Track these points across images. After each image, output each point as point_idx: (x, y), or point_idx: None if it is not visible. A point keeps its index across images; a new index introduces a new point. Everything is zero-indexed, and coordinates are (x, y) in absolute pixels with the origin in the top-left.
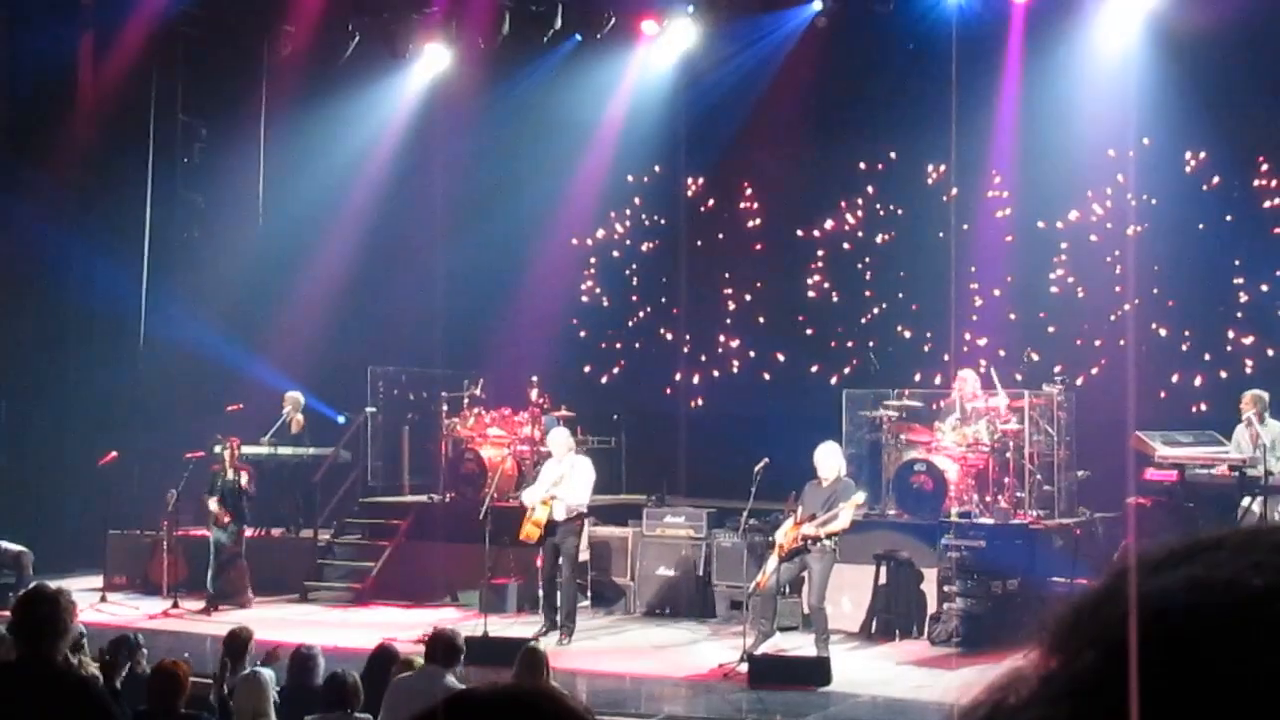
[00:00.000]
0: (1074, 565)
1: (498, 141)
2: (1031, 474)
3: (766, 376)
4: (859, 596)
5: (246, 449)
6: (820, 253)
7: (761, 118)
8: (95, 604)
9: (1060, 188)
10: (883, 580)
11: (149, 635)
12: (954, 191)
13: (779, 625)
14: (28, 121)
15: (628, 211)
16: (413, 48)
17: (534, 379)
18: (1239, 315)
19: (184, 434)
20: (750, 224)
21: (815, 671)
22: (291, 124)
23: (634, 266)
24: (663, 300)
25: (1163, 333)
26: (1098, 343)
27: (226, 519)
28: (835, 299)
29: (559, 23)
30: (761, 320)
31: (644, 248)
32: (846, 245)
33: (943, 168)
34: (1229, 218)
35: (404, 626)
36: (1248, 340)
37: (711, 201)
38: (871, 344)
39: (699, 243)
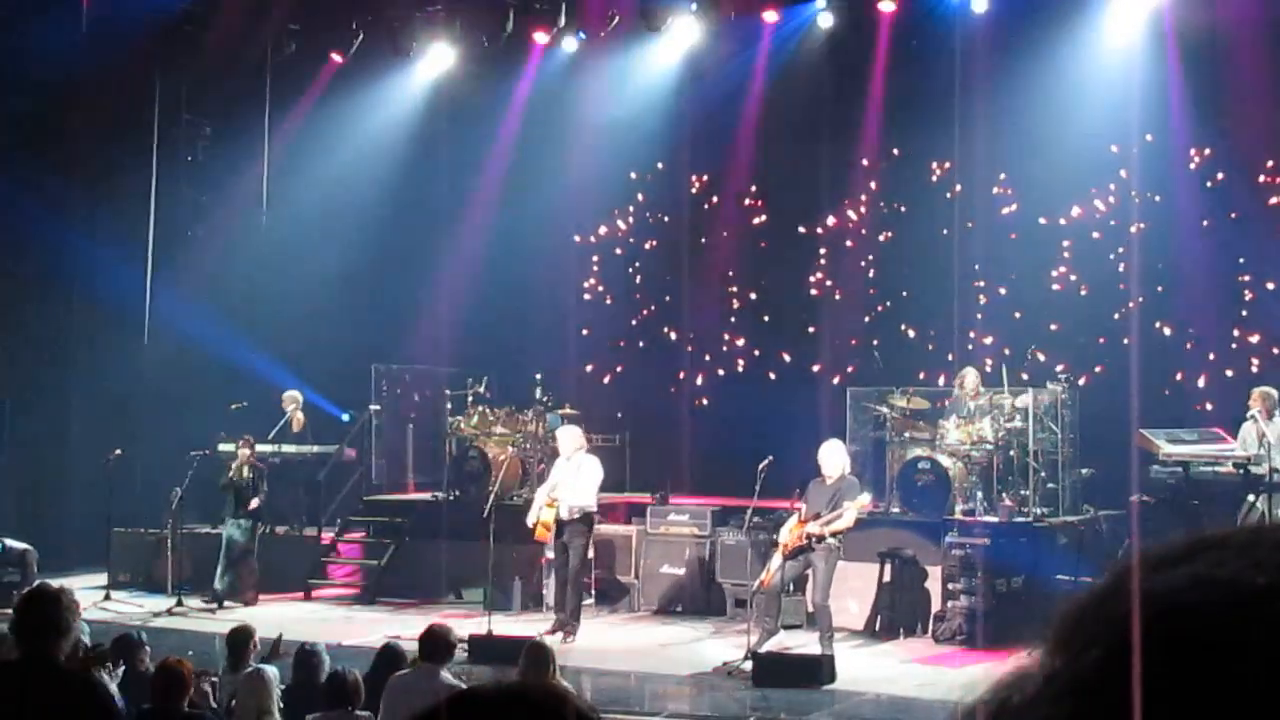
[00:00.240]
0: (1078, 563)
1: (501, 140)
2: (1036, 472)
3: (772, 376)
4: (863, 594)
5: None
6: (823, 250)
7: (765, 115)
8: (99, 602)
9: (1063, 185)
10: (887, 578)
11: (153, 633)
12: (958, 189)
13: (783, 623)
14: (33, 119)
15: (631, 209)
16: (416, 46)
17: (538, 377)
18: (1244, 314)
19: (188, 432)
20: (754, 221)
21: (819, 669)
22: (296, 122)
23: (637, 264)
24: (666, 299)
25: (1167, 331)
26: (1101, 340)
27: (240, 520)
28: (838, 297)
29: (562, 21)
30: (766, 319)
31: (647, 245)
32: (850, 243)
33: (947, 165)
34: (1233, 215)
35: (408, 624)
36: (1254, 339)
37: (715, 199)
38: (875, 343)
39: (702, 240)
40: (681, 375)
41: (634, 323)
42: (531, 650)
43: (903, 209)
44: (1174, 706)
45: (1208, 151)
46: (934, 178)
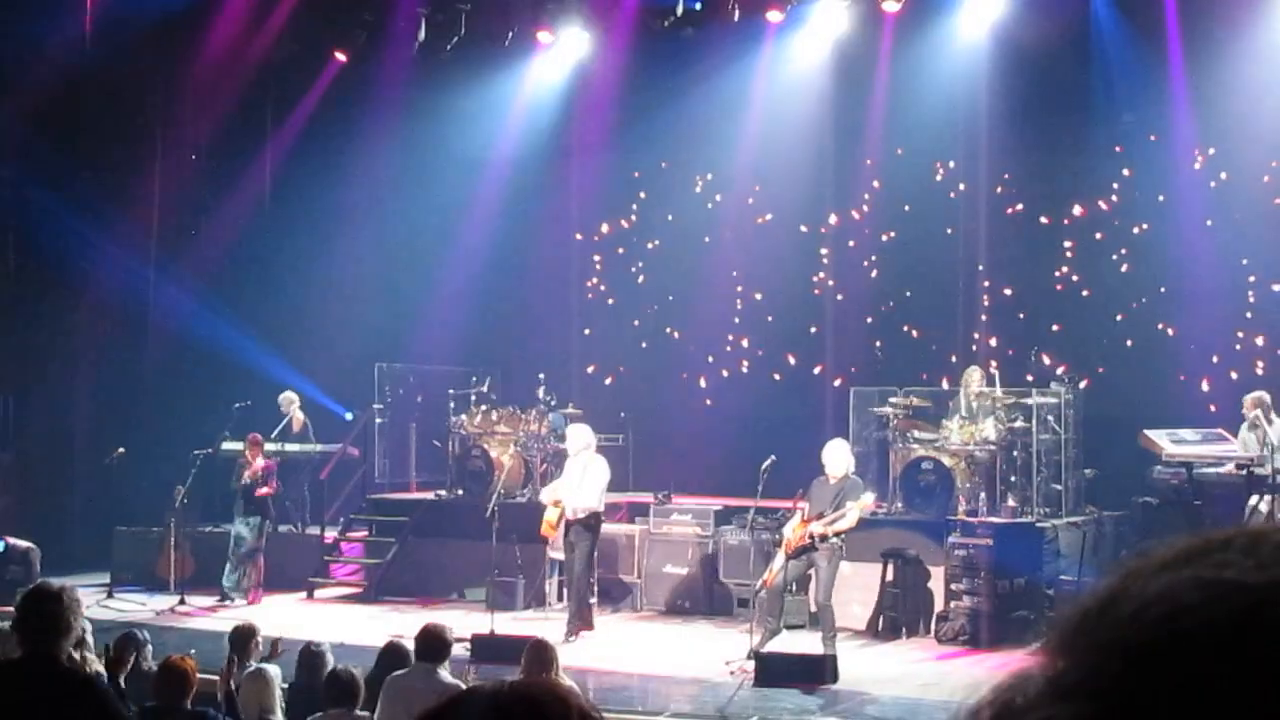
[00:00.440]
0: (1081, 564)
1: (504, 138)
2: (1039, 472)
3: (776, 376)
4: (866, 594)
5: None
6: (824, 250)
7: (769, 114)
8: (102, 600)
9: (1066, 184)
10: (890, 578)
11: (156, 631)
12: (961, 187)
13: (786, 623)
14: (39, 117)
15: (634, 208)
16: (421, 45)
17: (541, 376)
18: (1248, 315)
19: (191, 431)
20: (758, 220)
21: (822, 669)
22: (299, 120)
23: (640, 264)
24: (670, 298)
25: (1170, 332)
26: (1105, 341)
27: (247, 517)
28: (840, 298)
29: (567, 19)
30: (770, 319)
31: (649, 245)
32: (851, 243)
33: (951, 163)
34: (1238, 216)
35: (411, 623)
36: (1259, 340)
37: (718, 197)
38: (879, 344)
39: (706, 239)
40: (684, 375)
41: (636, 323)
42: (534, 649)
43: (907, 208)
44: (1177, 708)
45: (1211, 151)
46: (937, 177)
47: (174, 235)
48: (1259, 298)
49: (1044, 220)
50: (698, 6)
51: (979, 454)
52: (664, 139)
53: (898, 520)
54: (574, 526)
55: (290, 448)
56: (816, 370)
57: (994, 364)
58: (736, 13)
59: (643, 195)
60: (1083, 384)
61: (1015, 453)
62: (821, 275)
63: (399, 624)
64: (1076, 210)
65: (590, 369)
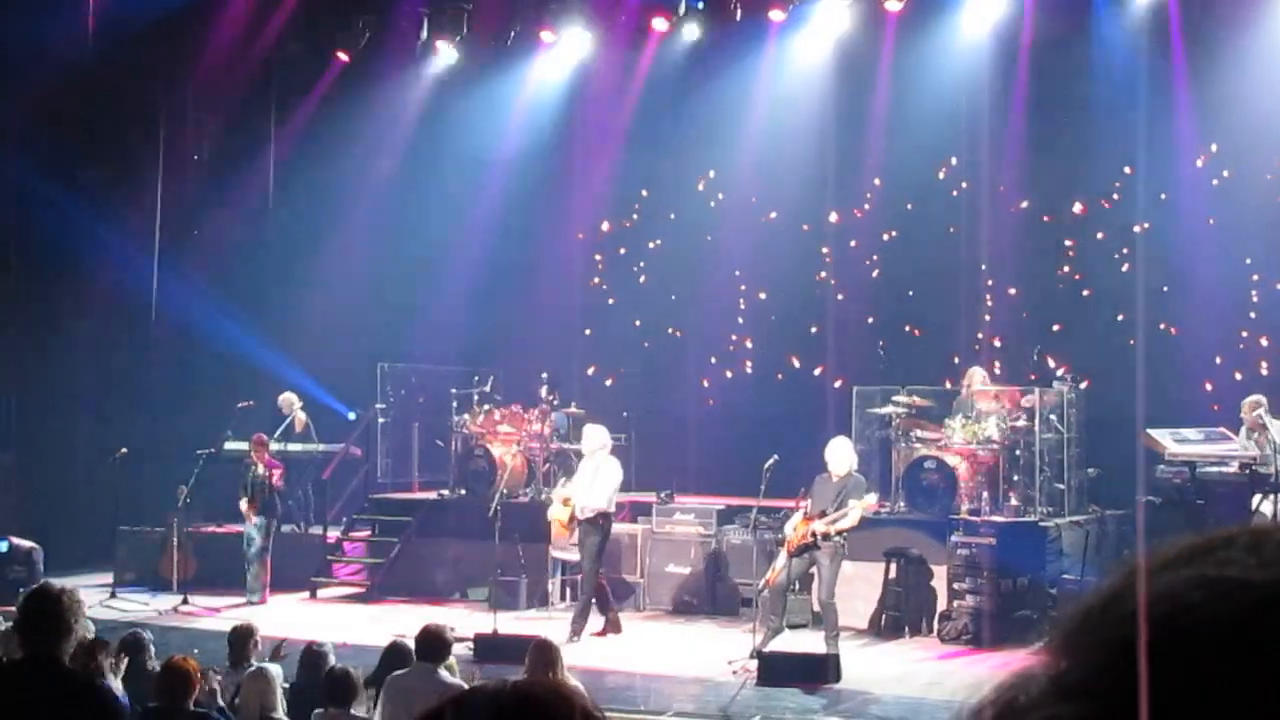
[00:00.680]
0: (1084, 563)
1: (507, 138)
2: (1041, 471)
3: (780, 376)
4: (869, 593)
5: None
6: (826, 250)
7: (771, 114)
8: (105, 600)
9: (1068, 183)
10: (893, 577)
11: (158, 631)
12: (964, 185)
13: (789, 622)
14: (40, 119)
15: (636, 207)
16: (423, 44)
17: (544, 376)
18: (1252, 315)
19: (194, 431)
20: (760, 219)
21: (825, 668)
22: (301, 120)
23: (642, 263)
24: (672, 298)
25: (1173, 331)
26: (1106, 340)
27: (254, 518)
28: (841, 297)
29: (568, 19)
30: (772, 318)
31: (651, 245)
32: (853, 243)
33: (953, 160)
34: (1240, 214)
35: (414, 623)
36: (1263, 341)
37: (720, 196)
38: (881, 344)
39: (708, 238)
40: (687, 374)
41: (638, 322)
42: (538, 649)
43: (909, 207)
44: (1180, 708)
45: (1214, 149)
46: (940, 175)
47: (177, 234)
48: (1262, 297)
49: (1045, 219)
50: (700, 5)
51: (981, 453)
52: (666, 138)
53: (900, 519)
54: (582, 526)
55: (293, 448)
56: (818, 371)
57: (996, 365)
58: (739, 12)
59: (645, 194)
60: (1083, 384)
61: (1018, 452)
62: (823, 275)
63: (402, 624)
64: (1077, 208)
65: (592, 369)
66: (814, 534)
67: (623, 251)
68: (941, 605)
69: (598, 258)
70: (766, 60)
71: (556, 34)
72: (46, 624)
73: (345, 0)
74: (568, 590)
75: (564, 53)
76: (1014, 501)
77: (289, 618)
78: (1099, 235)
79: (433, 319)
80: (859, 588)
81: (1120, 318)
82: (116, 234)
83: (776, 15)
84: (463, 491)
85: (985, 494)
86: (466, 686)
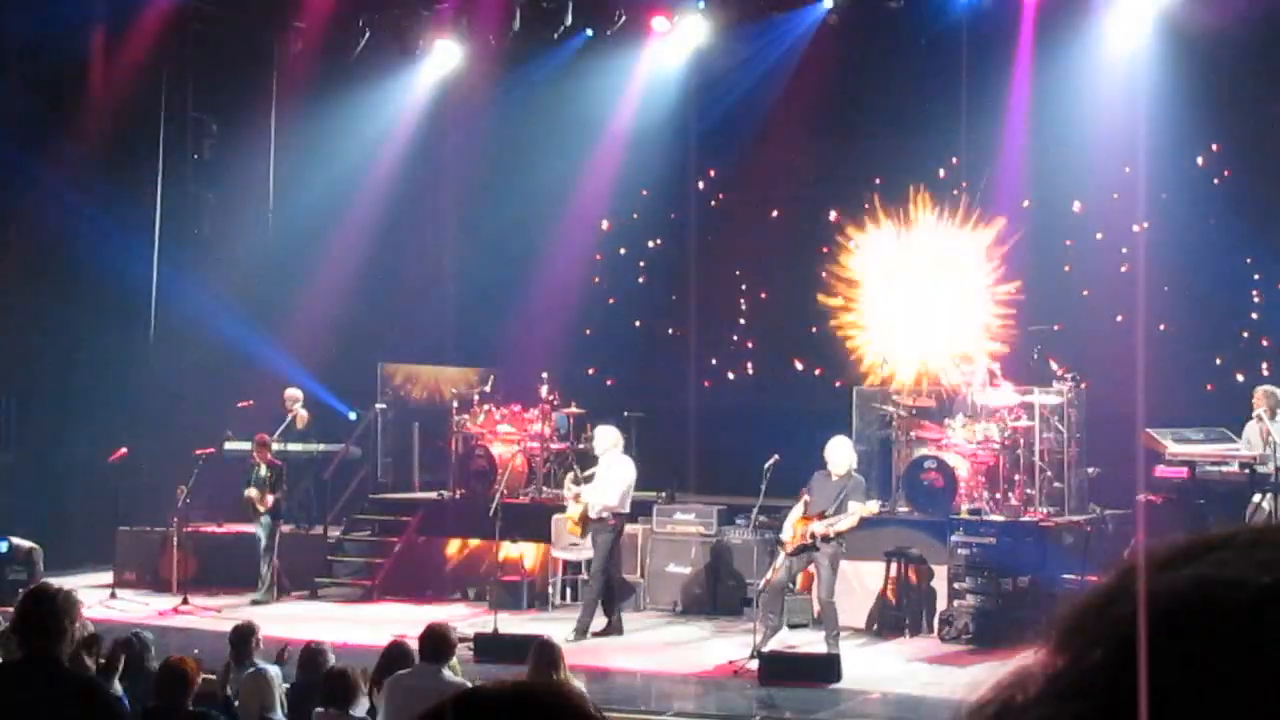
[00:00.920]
0: (1084, 562)
1: (507, 138)
2: (1042, 471)
3: (778, 375)
4: (869, 593)
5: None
6: (825, 249)
7: (773, 114)
8: (105, 600)
9: (1069, 183)
10: (893, 577)
11: (159, 632)
12: (964, 184)
13: (790, 622)
14: (41, 117)
15: (638, 206)
16: (423, 44)
17: (544, 375)
18: (1254, 316)
19: (194, 430)
20: (761, 220)
21: (826, 668)
22: (302, 120)
23: (643, 264)
24: (673, 298)
25: (1173, 331)
26: (1107, 340)
27: (263, 506)
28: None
29: (569, 19)
30: (774, 318)
31: (651, 244)
32: (853, 243)
33: (954, 160)
34: (1243, 214)
35: (414, 623)
36: (1264, 342)
37: (721, 196)
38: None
39: (709, 238)
40: (689, 374)
41: (638, 323)
42: (541, 649)
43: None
44: (1178, 707)
45: (1215, 147)
46: (940, 174)
47: (177, 234)
48: (1264, 297)
49: (1048, 220)
50: (701, 5)
51: (982, 453)
52: (666, 138)
53: (901, 519)
54: (593, 525)
55: (293, 447)
56: (818, 371)
57: (997, 366)
58: (738, 12)
59: (645, 194)
60: (1083, 385)
61: (1018, 451)
62: (825, 275)
63: (402, 624)
64: (1076, 207)
65: (592, 369)
66: (813, 535)
67: (623, 252)
68: (941, 605)
69: (598, 258)
70: (768, 61)
71: (556, 34)
72: (43, 625)
73: (346, 1)
74: (569, 590)
75: (563, 52)
76: (1014, 501)
77: (289, 617)
78: (1098, 236)
79: (433, 318)
80: (859, 587)
81: (1119, 318)
82: (117, 234)
83: (776, 15)
84: (463, 491)
85: (985, 494)
86: (470, 686)
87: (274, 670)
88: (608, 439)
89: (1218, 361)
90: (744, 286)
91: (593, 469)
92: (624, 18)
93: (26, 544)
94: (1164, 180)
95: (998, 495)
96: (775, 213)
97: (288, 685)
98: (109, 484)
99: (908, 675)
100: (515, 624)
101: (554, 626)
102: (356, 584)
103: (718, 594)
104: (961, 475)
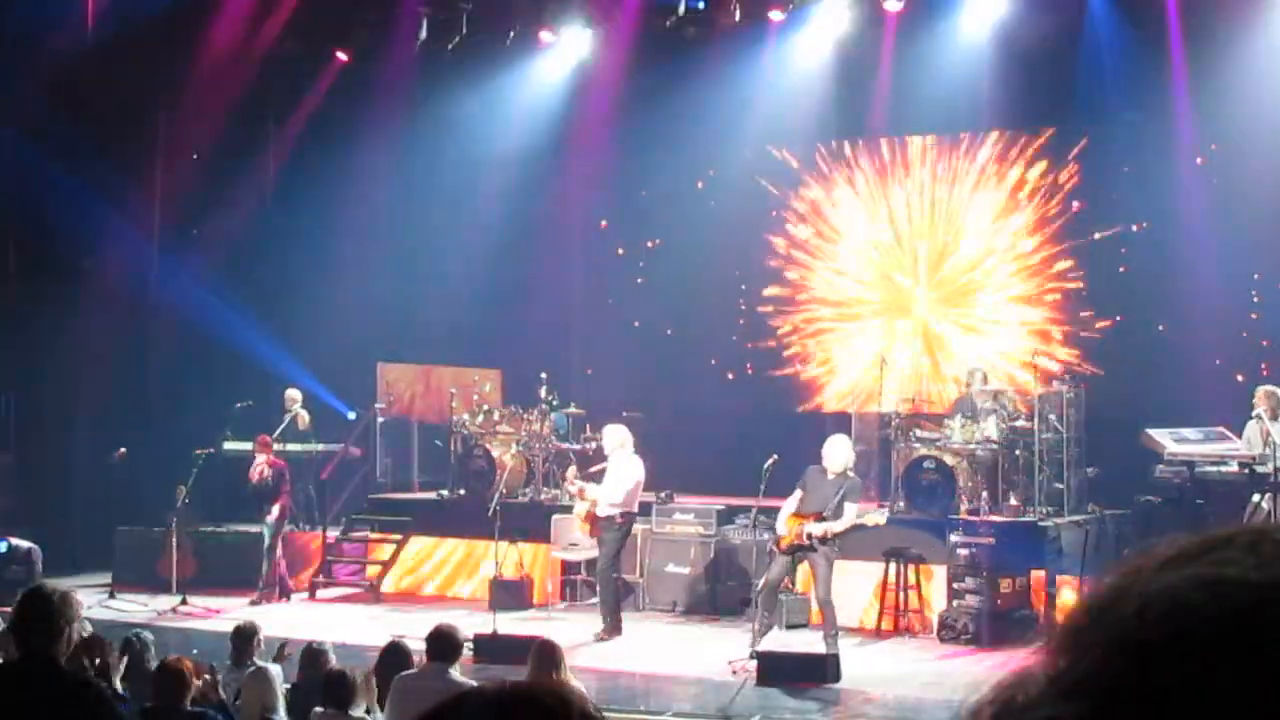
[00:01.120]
0: (1083, 563)
1: (505, 138)
2: (1041, 471)
3: (778, 375)
4: (868, 593)
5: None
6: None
7: (770, 113)
8: (104, 601)
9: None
10: (892, 577)
11: (157, 632)
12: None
13: (788, 621)
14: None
15: (635, 206)
16: (422, 44)
17: (543, 376)
18: (1253, 316)
19: (193, 430)
20: (759, 218)
21: (825, 668)
22: (301, 120)
23: (642, 264)
24: (671, 298)
25: (1171, 332)
26: (1105, 341)
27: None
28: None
29: (569, 19)
30: (771, 318)
31: (649, 244)
32: (851, 243)
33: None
34: (1240, 214)
35: (413, 623)
36: (1264, 343)
37: (720, 195)
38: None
39: (707, 238)
40: (685, 375)
41: (637, 323)
42: (541, 649)
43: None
44: (1178, 707)
45: (1213, 148)
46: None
47: (176, 234)
48: (1264, 297)
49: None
50: (700, 5)
51: (981, 453)
52: (665, 138)
53: (900, 519)
54: (602, 523)
55: (292, 447)
56: (818, 372)
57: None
58: (738, 13)
59: (644, 194)
60: (1082, 385)
61: (1017, 451)
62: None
63: (401, 624)
64: (1075, 207)
65: (590, 370)
66: (809, 536)
67: (621, 252)
68: (941, 605)
69: (597, 258)
70: (766, 61)
71: (556, 34)
72: (39, 625)
73: (344, 0)
74: (568, 590)
75: (563, 52)
76: (1013, 501)
77: (288, 617)
78: (1096, 235)
79: (431, 319)
80: (859, 588)
81: (1119, 318)
82: (115, 234)
83: (776, 16)
84: (462, 492)
85: (985, 494)
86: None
87: (275, 670)
88: (616, 438)
89: (1217, 362)
90: (742, 286)
91: (598, 467)
92: (622, 19)
93: (25, 544)
94: (1163, 180)
95: (997, 495)
96: (772, 213)
97: (287, 685)
98: (108, 484)
99: (907, 675)
100: (515, 624)
101: (553, 627)
102: (356, 584)
103: (717, 594)
104: (960, 475)
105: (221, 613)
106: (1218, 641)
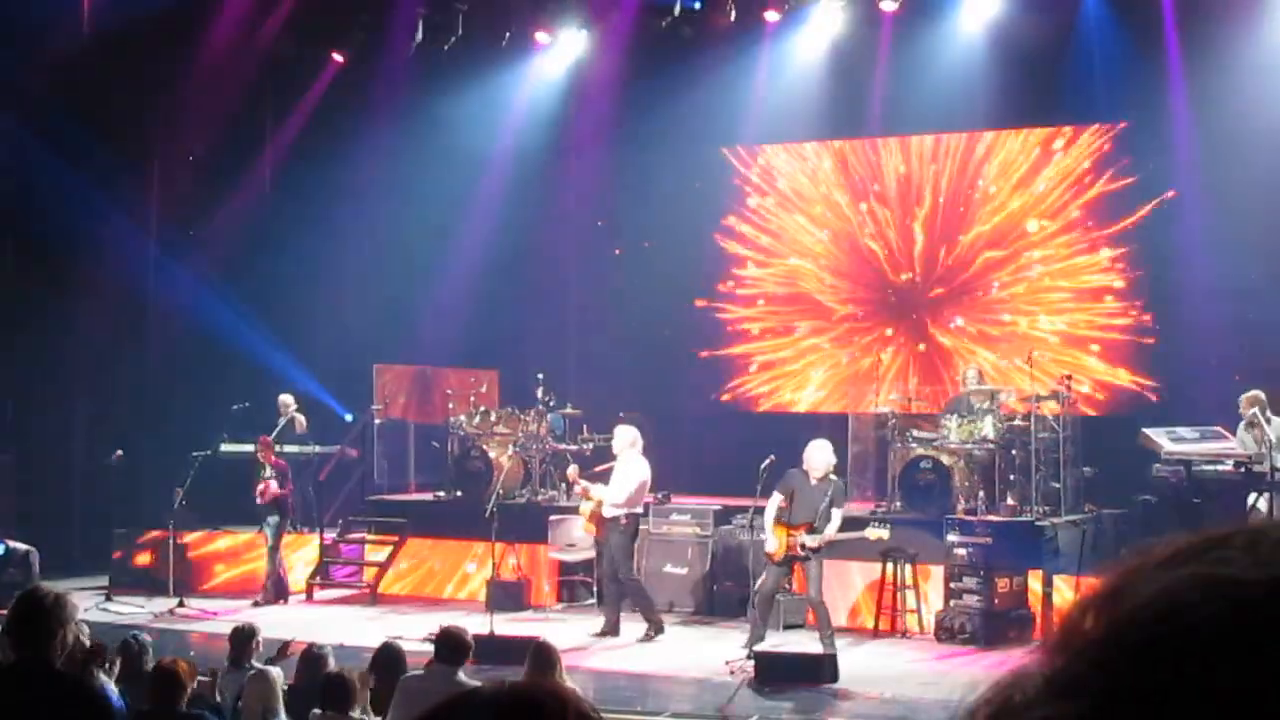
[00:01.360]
0: (1080, 562)
1: (502, 138)
2: (1038, 470)
3: (773, 374)
4: (866, 594)
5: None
6: (819, 250)
7: (769, 113)
8: (101, 603)
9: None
10: (889, 577)
11: (154, 634)
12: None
13: (786, 622)
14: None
15: (632, 206)
16: (420, 45)
17: (540, 377)
18: (1251, 316)
19: (190, 432)
20: (759, 219)
21: (822, 668)
22: (298, 122)
23: (639, 264)
24: (670, 298)
25: (1169, 330)
26: (1105, 337)
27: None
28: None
29: (565, 20)
30: (770, 318)
31: (646, 244)
32: (848, 243)
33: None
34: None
35: (411, 625)
36: (1263, 342)
37: (716, 194)
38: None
39: (705, 238)
40: (683, 375)
41: (635, 324)
42: (537, 651)
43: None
44: (1176, 708)
45: (1212, 148)
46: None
47: (173, 236)
48: (1262, 297)
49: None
50: (696, 6)
51: (977, 452)
52: (663, 138)
53: (897, 519)
54: (608, 524)
55: (289, 449)
56: (817, 371)
57: (989, 365)
58: (734, 13)
59: (642, 194)
60: (1081, 387)
61: (1014, 451)
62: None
63: (398, 625)
64: (1076, 207)
65: (587, 370)
66: (803, 546)
67: (619, 252)
68: (938, 605)
69: (594, 258)
70: (763, 61)
71: (553, 35)
72: (32, 627)
73: (341, 1)
74: (565, 592)
75: (560, 53)
76: (1010, 501)
77: (286, 619)
78: (1094, 236)
79: (428, 320)
80: (856, 588)
81: (1117, 318)
82: (113, 236)
83: (772, 16)
84: (459, 493)
85: (981, 493)
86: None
87: (276, 672)
88: (625, 438)
89: (1214, 363)
90: (736, 287)
91: (603, 466)
92: (619, 19)
93: (23, 547)
94: (1162, 180)
95: (994, 495)
96: (767, 214)
97: (286, 686)
98: (105, 486)
99: (905, 675)
100: (511, 626)
101: (550, 628)
102: (353, 585)
103: (714, 595)
104: (957, 475)
105: (219, 614)
106: (1216, 641)
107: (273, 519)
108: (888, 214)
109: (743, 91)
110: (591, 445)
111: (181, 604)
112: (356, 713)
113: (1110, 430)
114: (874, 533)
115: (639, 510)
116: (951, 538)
